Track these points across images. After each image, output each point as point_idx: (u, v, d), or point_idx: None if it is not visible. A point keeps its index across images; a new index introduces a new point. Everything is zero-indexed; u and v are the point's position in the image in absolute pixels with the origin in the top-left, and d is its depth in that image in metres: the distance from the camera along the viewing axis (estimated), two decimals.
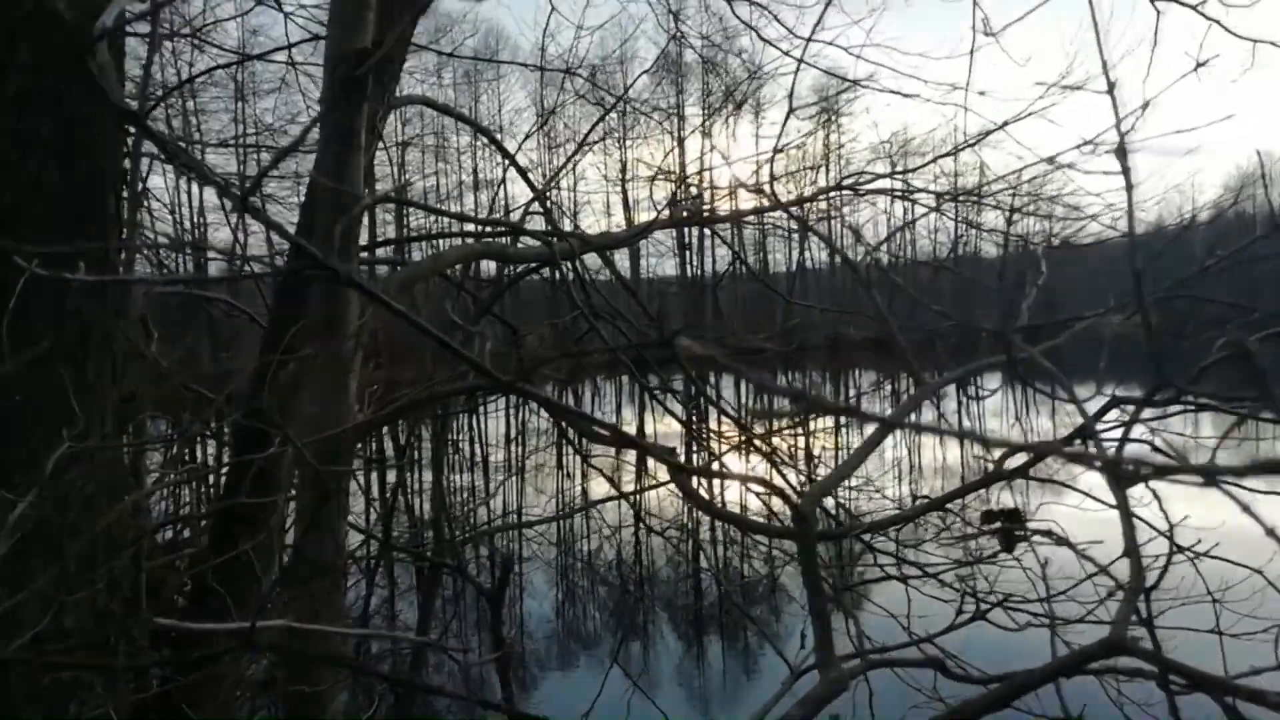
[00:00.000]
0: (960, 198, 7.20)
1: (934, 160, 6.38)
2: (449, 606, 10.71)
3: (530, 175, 5.75)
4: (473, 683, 7.86)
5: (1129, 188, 1.33)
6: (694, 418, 6.21)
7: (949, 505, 3.09)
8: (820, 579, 1.46)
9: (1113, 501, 1.48)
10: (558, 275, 5.46)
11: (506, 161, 5.26)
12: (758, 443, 5.33)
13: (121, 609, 2.80)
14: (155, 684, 3.59)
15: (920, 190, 6.49)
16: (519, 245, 5.03)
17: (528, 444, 17.55)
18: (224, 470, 4.56)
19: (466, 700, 5.06)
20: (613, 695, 4.95)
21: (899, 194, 6.66)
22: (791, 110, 4.71)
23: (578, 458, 7.04)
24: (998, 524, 2.23)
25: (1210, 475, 0.70)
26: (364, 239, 5.97)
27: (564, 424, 4.82)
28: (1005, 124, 5.24)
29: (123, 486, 3.47)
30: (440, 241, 6.47)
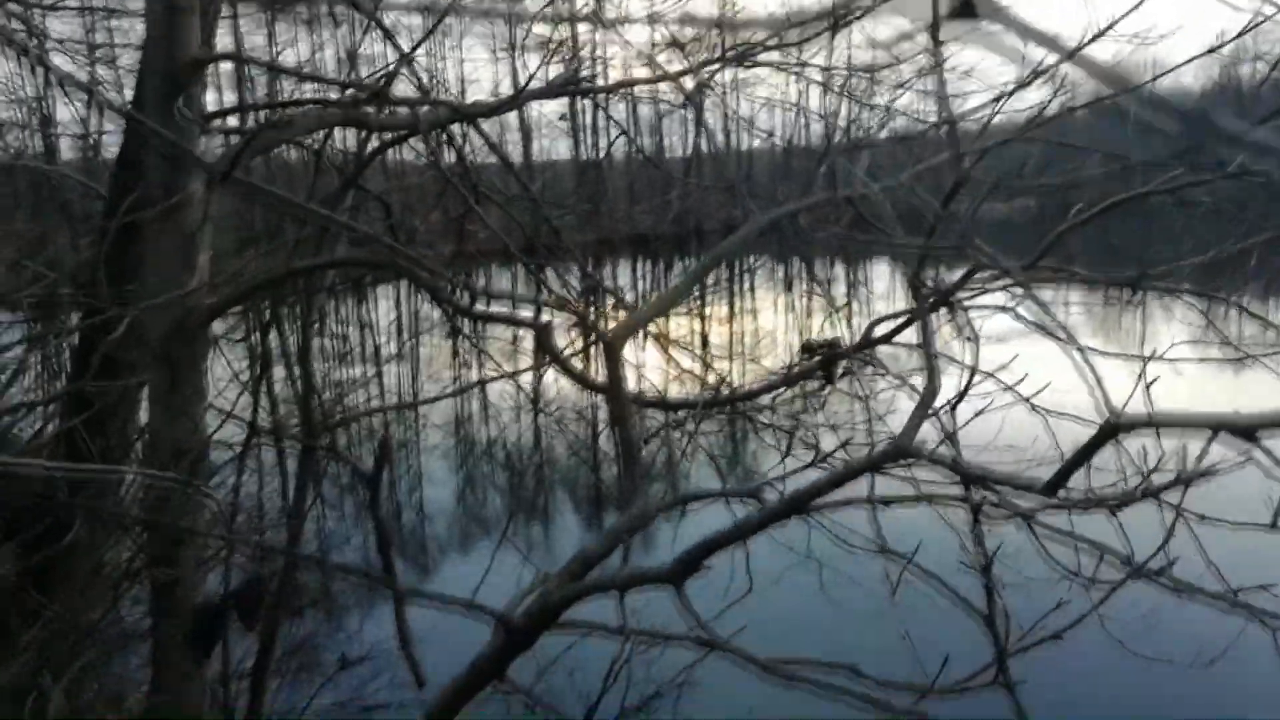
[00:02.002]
0: (853, 74, 7.10)
1: (825, 31, 6.22)
2: (348, 497, 10.64)
3: (397, 38, 5.39)
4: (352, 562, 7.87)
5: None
6: (591, 303, 6.16)
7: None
8: (628, 412, 1.46)
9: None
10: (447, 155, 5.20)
11: (370, 23, 4.89)
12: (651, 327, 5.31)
13: None
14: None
15: (810, 65, 6.38)
16: (385, 114, 4.73)
17: (419, 331, 17.24)
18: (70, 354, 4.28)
19: (347, 572, 5.07)
20: (506, 574, 5.01)
21: (787, 66, 6.52)
22: None
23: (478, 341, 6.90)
24: (818, 356, 2.29)
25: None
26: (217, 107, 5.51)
27: (442, 304, 4.68)
28: None
29: None
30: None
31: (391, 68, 5.29)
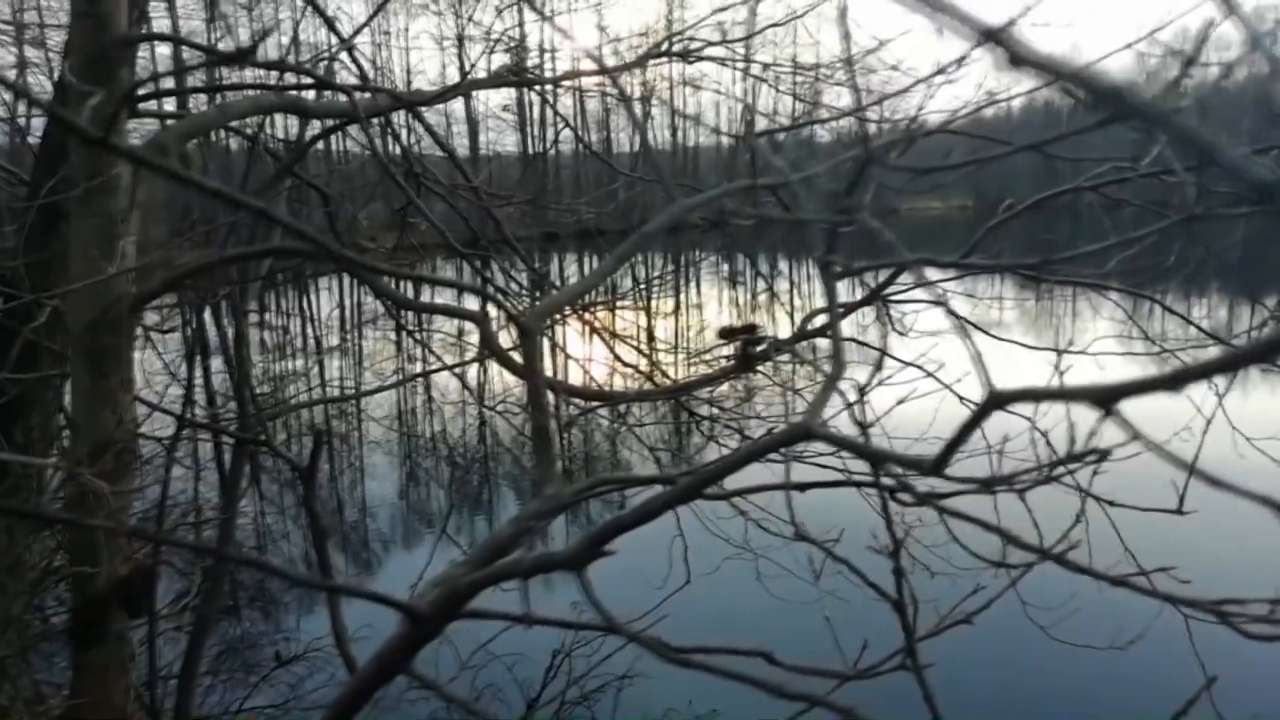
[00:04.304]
0: (798, 72, 7.15)
1: (767, 28, 6.29)
2: (287, 492, 10.44)
3: (337, 25, 5.30)
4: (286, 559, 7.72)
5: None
6: (537, 297, 6.12)
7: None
8: (542, 396, 1.46)
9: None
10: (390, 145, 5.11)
11: (308, 8, 4.79)
12: (590, 318, 5.31)
13: None
14: None
15: (753, 61, 6.43)
16: (323, 100, 4.64)
17: (361, 322, 16.97)
18: None
19: (279, 575, 4.97)
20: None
21: (731, 62, 6.55)
22: None
23: (421, 335, 6.81)
24: (735, 340, 2.30)
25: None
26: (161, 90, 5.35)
27: (379, 295, 4.61)
28: None
29: None
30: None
31: (331, 54, 5.20)
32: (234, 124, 4.94)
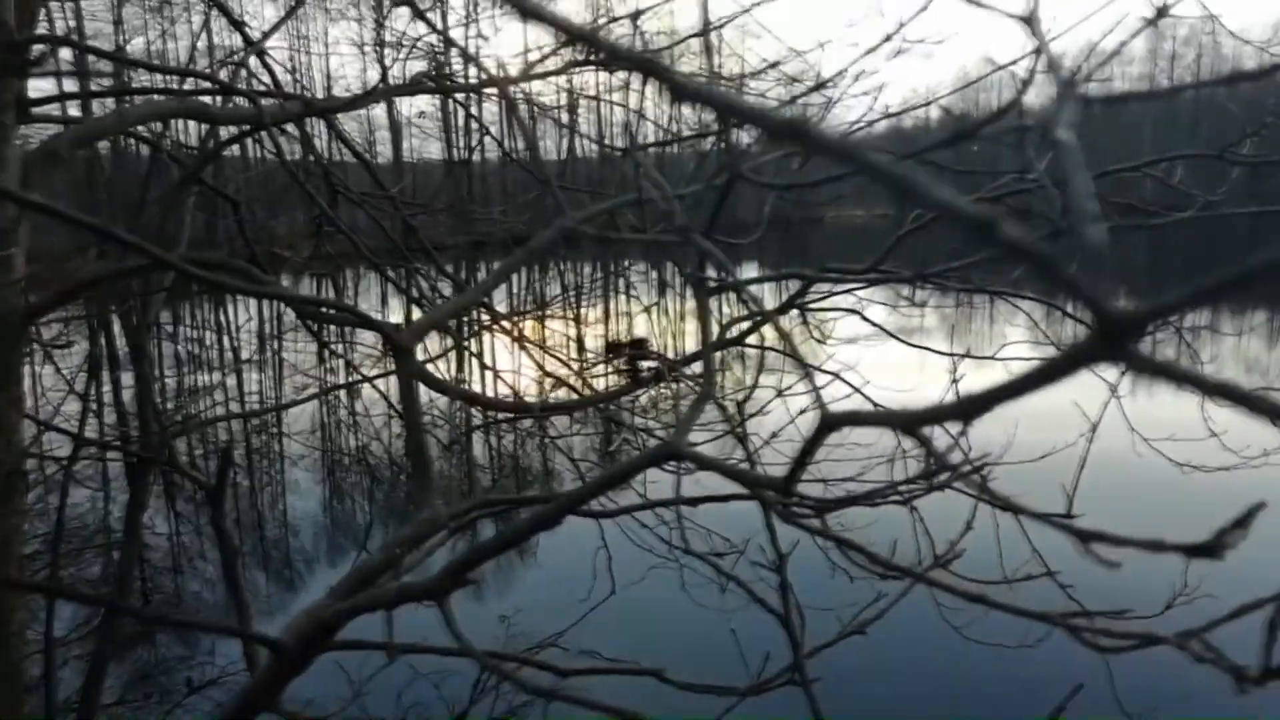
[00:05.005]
0: (713, 80, 7.19)
1: (688, 38, 6.33)
2: (204, 512, 10.05)
3: (247, 29, 5.14)
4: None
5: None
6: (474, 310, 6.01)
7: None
8: (418, 415, 1.42)
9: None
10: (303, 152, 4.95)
11: (212, 7, 4.62)
12: (509, 327, 5.24)
13: None
14: None
15: (666, 69, 6.45)
16: (229, 106, 4.48)
17: (280, 334, 16.51)
18: None
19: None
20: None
21: (650, 71, 6.55)
22: None
23: (340, 348, 6.63)
24: (624, 355, 2.29)
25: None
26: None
27: (294, 307, 4.47)
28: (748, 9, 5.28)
29: None
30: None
31: (240, 58, 5.03)
32: (136, 130, 4.73)
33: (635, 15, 3.59)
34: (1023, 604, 1.25)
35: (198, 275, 1.56)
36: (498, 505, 1.73)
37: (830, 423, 0.69)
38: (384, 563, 1.30)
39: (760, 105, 0.50)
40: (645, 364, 2.27)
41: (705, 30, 6.47)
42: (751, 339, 3.22)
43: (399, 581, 1.23)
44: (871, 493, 1.10)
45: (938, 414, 0.46)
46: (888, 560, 1.22)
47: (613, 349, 2.30)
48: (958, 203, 0.40)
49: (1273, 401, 0.38)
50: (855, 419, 0.62)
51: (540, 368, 3.82)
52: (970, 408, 0.44)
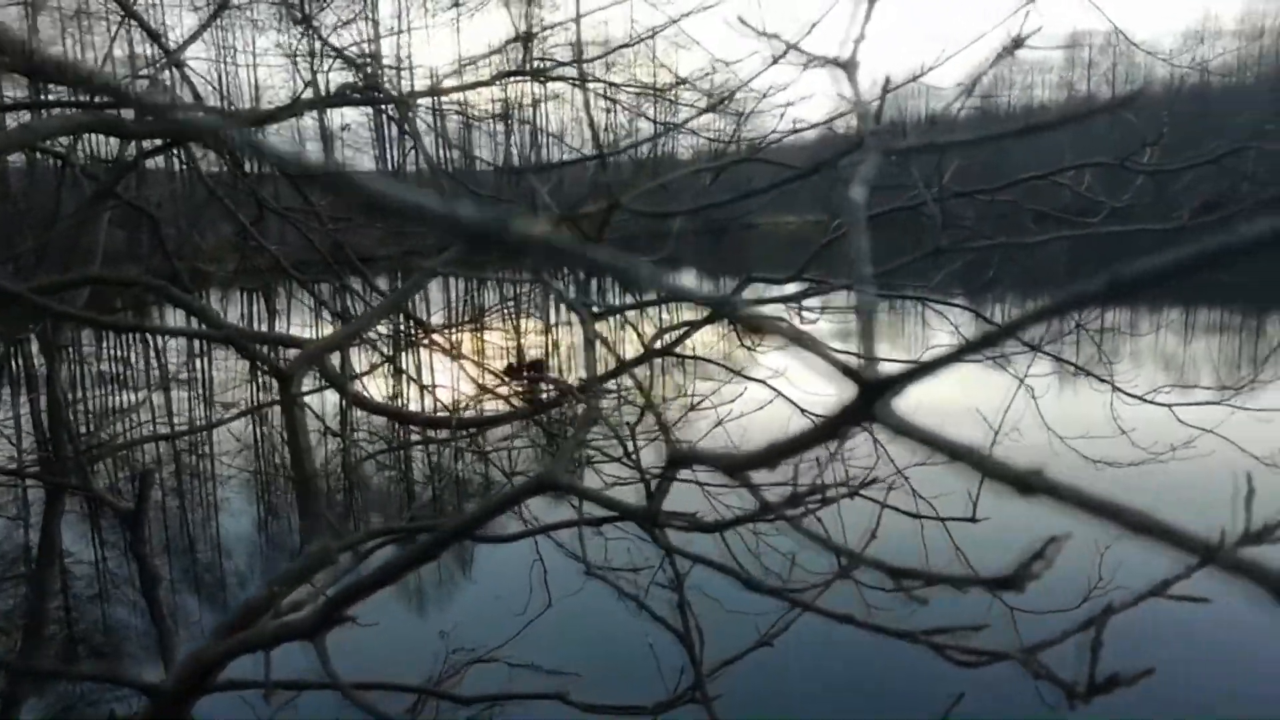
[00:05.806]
0: (642, 92, 7.23)
1: (616, 49, 6.38)
2: (127, 542, 9.68)
3: (163, 39, 5.01)
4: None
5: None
6: (396, 325, 5.92)
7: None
8: (302, 443, 1.40)
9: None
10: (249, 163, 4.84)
11: (126, 17, 4.48)
12: (440, 342, 5.19)
13: None
14: None
15: (599, 80, 6.47)
16: (145, 119, 4.34)
17: (208, 353, 16.07)
18: None
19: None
20: None
21: (576, 81, 6.56)
22: None
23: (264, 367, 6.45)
24: (522, 379, 2.29)
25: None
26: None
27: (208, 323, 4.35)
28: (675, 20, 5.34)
29: None
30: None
31: (156, 69, 4.90)
32: (45, 144, 4.56)
33: (527, 36, 3.58)
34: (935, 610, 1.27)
35: (53, 309, 1.49)
36: (390, 534, 1.70)
37: (676, 460, 0.70)
38: (266, 600, 1.27)
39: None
40: (543, 385, 2.26)
41: (634, 41, 6.48)
42: (684, 348, 3.24)
43: (278, 621, 1.20)
44: (745, 516, 1.12)
45: (750, 460, 0.49)
46: (760, 581, 1.23)
47: (510, 372, 2.28)
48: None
49: (1005, 467, 0.40)
50: (696, 458, 0.64)
51: (472, 380, 3.79)
52: (770, 458, 0.49)
